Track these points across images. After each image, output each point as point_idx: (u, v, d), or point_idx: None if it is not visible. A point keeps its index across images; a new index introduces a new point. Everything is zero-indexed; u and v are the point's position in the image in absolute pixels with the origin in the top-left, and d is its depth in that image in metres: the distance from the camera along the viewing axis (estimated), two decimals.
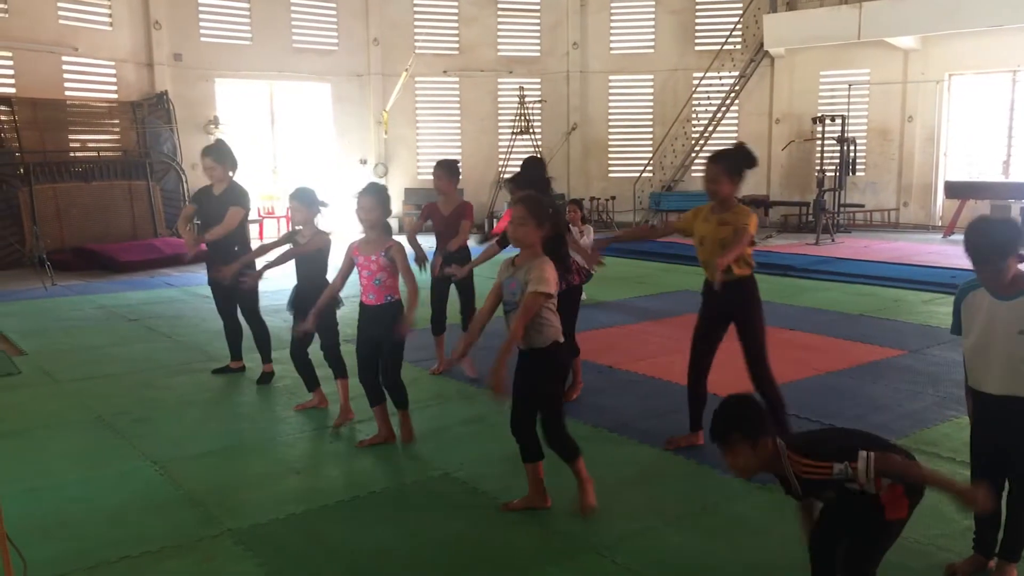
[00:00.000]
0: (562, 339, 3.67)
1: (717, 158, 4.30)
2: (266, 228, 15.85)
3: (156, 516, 3.86)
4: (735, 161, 4.26)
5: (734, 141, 18.14)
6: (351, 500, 4.03)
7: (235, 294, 5.96)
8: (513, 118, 17.94)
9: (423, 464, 4.37)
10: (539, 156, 6.38)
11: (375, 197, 4.46)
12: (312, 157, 17.31)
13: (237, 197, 6.00)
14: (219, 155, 6.01)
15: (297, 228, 5.30)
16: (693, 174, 18.22)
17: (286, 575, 3.32)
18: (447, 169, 6.10)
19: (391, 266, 4.44)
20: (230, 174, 6.07)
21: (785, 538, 3.56)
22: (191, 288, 10.68)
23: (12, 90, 13.42)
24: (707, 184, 4.27)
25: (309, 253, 5.11)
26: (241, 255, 5.90)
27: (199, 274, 11.88)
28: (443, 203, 6.13)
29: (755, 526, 3.69)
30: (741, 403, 2.68)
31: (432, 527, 3.73)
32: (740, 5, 17.63)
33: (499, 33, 18.18)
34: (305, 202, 5.16)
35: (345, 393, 5.16)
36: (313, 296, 4.90)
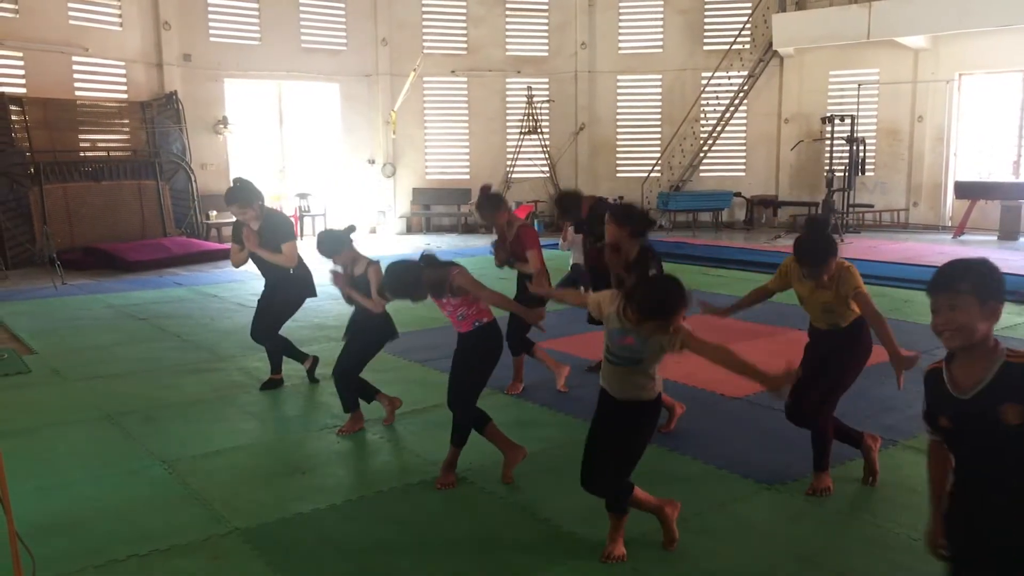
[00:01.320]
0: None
1: (819, 255, 3.83)
2: None
3: (164, 514, 3.88)
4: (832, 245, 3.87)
5: (743, 141, 18.24)
6: (358, 500, 4.04)
7: (271, 305, 5.91)
8: (521, 118, 17.94)
9: (431, 465, 4.37)
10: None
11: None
12: (320, 157, 17.36)
13: (284, 230, 5.78)
14: (244, 200, 5.64)
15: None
16: (701, 174, 18.20)
17: (293, 574, 3.32)
18: (488, 206, 5.51)
19: (463, 299, 4.02)
20: (263, 208, 5.80)
21: (792, 539, 3.55)
22: (200, 287, 10.72)
23: (23, 90, 13.49)
24: (808, 273, 3.87)
25: (363, 283, 4.88)
26: (297, 279, 5.83)
27: (208, 274, 11.94)
28: (507, 231, 5.61)
29: (763, 527, 3.68)
30: (984, 264, 2.25)
31: (440, 527, 3.73)
32: (749, 5, 17.58)
33: (507, 33, 18.17)
34: (333, 249, 4.92)
35: (354, 423, 5.06)
36: (368, 322, 4.88)
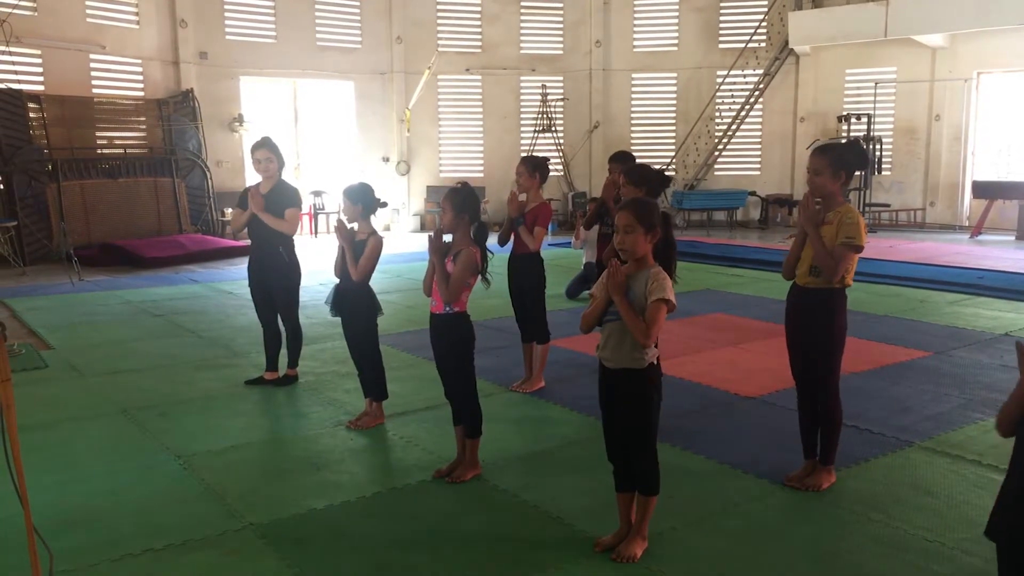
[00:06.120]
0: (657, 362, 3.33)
1: (823, 149, 3.93)
2: None
3: (179, 509, 3.90)
4: (841, 154, 3.88)
5: (758, 140, 18.17)
6: (372, 496, 4.05)
7: (274, 297, 5.90)
8: (535, 116, 17.93)
9: (444, 461, 4.37)
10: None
11: (449, 198, 4.09)
12: (334, 155, 17.42)
13: (291, 196, 5.83)
14: (276, 148, 5.82)
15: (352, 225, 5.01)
16: (716, 173, 18.14)
17: (307, 570, 3.34)
18: (529, 164, 5.79)
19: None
20: (280, 170, 5.90)
21: (806, 539, 3.54)
22: (215, 284, 10.77)
23: (41, 87, 13.61)
24: (809, 178, 3.92)
25: (359, 249, 4.89)
26: (287, 257, 5.83)
27: (223, 270, 12.00)
28: (517, 204, 5.73)
29: (775, 527, 3.67)
30: None
31: (453, 524, 3.74)
32: (765, 2, 17.51)
33: (522, 31, 18.17)
34: (351, 198, 4.95)
35: (373, 417, 5.10)
36: (354, 296, 4.87)
